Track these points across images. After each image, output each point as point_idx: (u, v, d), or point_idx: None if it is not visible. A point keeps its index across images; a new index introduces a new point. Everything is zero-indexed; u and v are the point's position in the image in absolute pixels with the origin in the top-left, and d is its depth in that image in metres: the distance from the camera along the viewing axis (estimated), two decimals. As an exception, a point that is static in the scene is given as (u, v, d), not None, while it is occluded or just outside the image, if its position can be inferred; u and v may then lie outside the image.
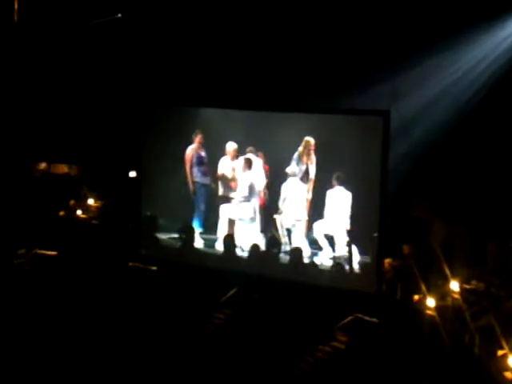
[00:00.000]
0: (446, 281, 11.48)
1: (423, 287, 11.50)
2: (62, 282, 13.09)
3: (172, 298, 12.56)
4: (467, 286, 11.49)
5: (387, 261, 12.33)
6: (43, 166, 16.43)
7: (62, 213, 15.39)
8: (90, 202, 15.60)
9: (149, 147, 14.15)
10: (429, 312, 11.17)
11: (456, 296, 11.28)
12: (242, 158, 13.30)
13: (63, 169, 16.42)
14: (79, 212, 15.41)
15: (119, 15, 14.97)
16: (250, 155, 13.19)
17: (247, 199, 13.25)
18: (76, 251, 13.90)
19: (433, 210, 12.68)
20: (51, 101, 15.79)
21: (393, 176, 12.17)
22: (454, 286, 11.36)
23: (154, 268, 13.50)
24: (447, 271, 11.48)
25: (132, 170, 14.99)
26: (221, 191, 13.60)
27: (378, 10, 12.88)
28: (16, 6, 15.24)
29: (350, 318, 11.44)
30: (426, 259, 12.00)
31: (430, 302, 11.24)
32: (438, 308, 11.17)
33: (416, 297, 11.66)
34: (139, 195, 14.20)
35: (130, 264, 13.62)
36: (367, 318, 11.39)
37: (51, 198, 15.43)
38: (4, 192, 15.02)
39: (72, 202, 15.55)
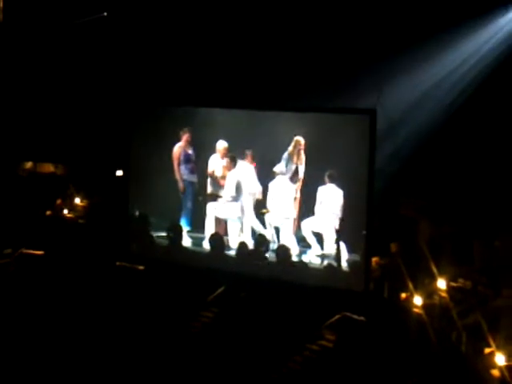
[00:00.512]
0: (433, 279, 11.52)
1: (410, 285, 11.55)
2: (49, 282, 13.04)
3: (159, 297, 12.55)
4: (454, 284, 11.52)
5: (375, 259, 12.34)
6: (29, 165, 16.34)
7: (48, 212, 15.32)
8: (77, 201, 15.55)
9: (136, 146, 14.14)
10: (416, 310, 11.22)
11: (443, 294, 11.32)
12: (227, 157, 13.32)
13: (49, 168, 16.34)
14: (66, 211, 15.36)
15: (105, 14, 14.95)
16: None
17: (234, 198, 13.24)
18: (63, 251, 13.86)
19: (420, 209, 12.72)
20: (37, 100, 15.71)
21: (380, 175, 12.22)
22: (441, 284, 11.40)
23: (142, 267, 13.50)
24: (434, 269, 11.52)
25: (119, 168, 14.95)
26: (209, 189, 13.59)
27: (365, 11, 12.89)
28: (1, 5, 15.20)
29: (337, 316, 11.47)
30: (413, 257, 12.02)
31: (417, 300, 11.28)
32: (425, 306, 11.22)
33: (403, 295, 11.69)
34: (126, 194, 14.17)
35: (117, 263, 13.62)
36: (355, 316, 11.42)
37: (37, 197, 15.36)
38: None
39: (58, 202, 15.48)
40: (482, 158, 12.25)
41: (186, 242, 13.75)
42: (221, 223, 13.51)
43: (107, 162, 15.15)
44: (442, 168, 12.55)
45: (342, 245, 12.43)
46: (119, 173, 14.98)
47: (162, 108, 14.16)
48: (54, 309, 12.30)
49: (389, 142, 12.58)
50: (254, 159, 13.19)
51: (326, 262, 12.51)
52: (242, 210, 13.23)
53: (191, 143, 13.69)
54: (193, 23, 14.34)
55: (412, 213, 12.72)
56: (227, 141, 13.35)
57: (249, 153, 13.19)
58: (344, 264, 12.43)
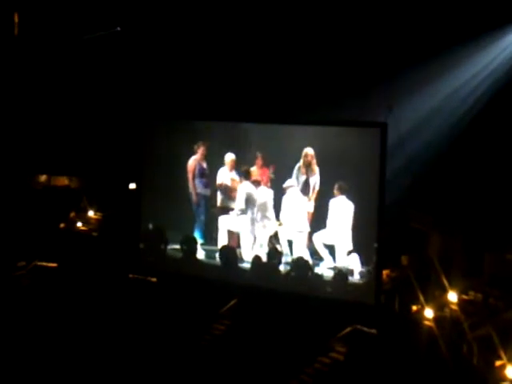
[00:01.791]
0: (444, 292, 11.51)
1: (421, 298, 11.53)
2: (62, 294, 13.12)
3: (172, 310, 12.59)
4: (465, 297, 11.53)
5: (386, 272, 12.36)
6: (44, 178, 16.45)
7: (62, 225, 15.42)
8: (90, 214, 15.64)
9: (150, 159, 14.20)
10: (427, 323, 11.22)
11: (454, 307, 11.32)
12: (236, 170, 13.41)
13: (63, 181, 16.44)
14: (79, 224, 15.45)
15: (119, 28, 15.08)
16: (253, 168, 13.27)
17: (244, 211, 13.31)
18: (76, 263, 13.94)
19: (431, 222, 12.73)
20: (52, 113, 15.84)
21: (391, 188, 12.24)
22: (452, 296, 11.40)
23: (154, 279, 13.57)
24: (445, 282, 11.51)
25: (132, 182, 15.03)
26: (219, 202, 13.63)
27: (378, 26, 12.97)
28: (16, 20, 15.36)
29: (348, 329, 11.48)
30: (424, 270, 12.02)
31: (428, 312, 11.29)
32: (436, 319, 11.22)
33: (414, 308, 11.69)
34: (139, 207, 14.23)
35: (130, 276, 13.69)
36: (366, 329, 11.43)
37: (51, 210, 15.44)
38: (4, 204, 15.08)
39: (72, 214, 15.59)
40: (492, 170, 12.27)
41: (200, 254, 13.76)
42: (233, 236, 13.53)
43: (120, 176, 15.24)
44: (452, 181, 12.57)
45: (355, 257, 12.45)
46: (132, 186, 15.07)
47: (175, 121, 14.23)
48: (68, 320, 12.37)
49: (399, 155, 12.61)
50: (265, 162, 13.21)
51: (339, 275, 12.53)
52: (253, 223, 13.29)
53: (206, 157, 13.78)
54: (208, 39, 14.46)
55: (423, 226, 12.74)
56: (238, 154, 13.40)
57: (259, 155, 13.17)
58: (356, 276, 12.45)
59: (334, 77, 13.50)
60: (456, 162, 12.60)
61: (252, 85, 14.09)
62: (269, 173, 13.14)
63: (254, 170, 13.19)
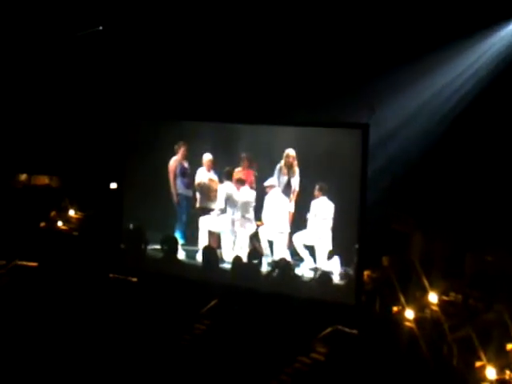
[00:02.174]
0: (425, 293, 11.55)
1: (402, 299, 11.57)
2: (43, 294, 13.05)
3: (152, 309, 12.56)
4: (446, 298, 11.58)
5: (367, 272, 12.38)
6: (24, 177, 16.36)
7: (42, 224, 15.34)
8: (71, 213, 15.57)
9: (131, 159, 14.16)
10: (408, 324, 11.26)
11: (434, 308, 11.36)
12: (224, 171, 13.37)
13: (44, 180, 16.35)
14: (60, 223, 15.37)
15: (100, 28, 15.02)
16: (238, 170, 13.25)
17: (223, 211, 13.29)
18: (57, 262, 13.87)
19: (412, 223, 12.76)
20: (32, 112, 15.75)
21: (372, 188, 12.25)
22: (433, 297, 11.44)
23: (135, 279, 13.53)
24: (426, 283, 11.55)
25: (113, 181, 14.98)
26: (198, 202, 13.62)
27: (358, 26, 12.99)
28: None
29: (329, 329, 11.49)
30: (404, 271, 12.05)
31: (409, 313, 11.32)
32: (416, 320, 11.25)
33: (395, 308, 11.72)
34: (120, 207, 14.19)
35: (111, 275, 13.64)
36: (347, 329, 11.44)
37: (32, 209, 15.36)
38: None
39: (53, 214, 15.51)
40: (473, 172, 12.31)
41: (181, 254, 13.74)
42: (214, 236, 13.53)
43: (101, 175, 15.17)
44: (434, 182, 12.60)
45: (335, 258, 12.48)
46: (113, 185, 15.01)
47: (157, 121, 14.18)
48: (48, 320, 12.31)
49: (380, 155, 12.63)
50: (251, 163, 13.19)
51: (318, 276, 12.55)
52: (233, 223, 13.27)
53: (187, 157, 13.75)
54: (187, 38, 14.41)
55: (404, 227, 12.77)
56: (217, 155, 13.40)
57: (245, 156, 13.18)
58: (336, 277, 12.48)
59: (317, 78, 13.49)
60: (437, 162, 12.63)
61: (236, 85, 14.05)
62: (253, 174, 13.16)
63: (239, 170, 13.18)
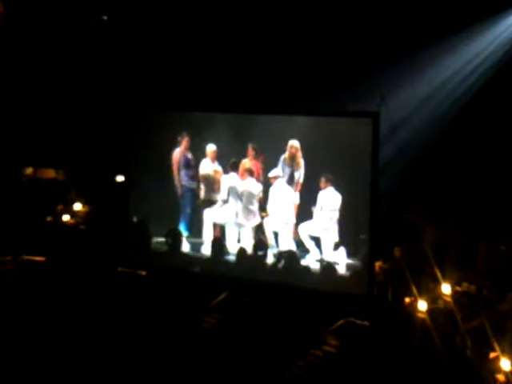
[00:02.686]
0: (438, 283, 11.48)
1: (414, 290, 11.50)
2: (50, 288, 12.99)
3: (161, 303, 12.50)
4: (459, 289, 11.48)
5: (378, 263, 12.30)
6: (30, 170, 16.29)
7: (49, 218, 15.27)
8: (78, 206, 15.50)
9: (135, 151, 14.08)
10: (420, 315, 11.17)
11: (447, 299, 11.28)
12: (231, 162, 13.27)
13: (50, 173, 16.26)
14: (66, 217, 15.30)
15: (105, 18, 14.94)
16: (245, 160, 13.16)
17: (226, 202, 13.23)
18: (64, 257, 13.81)
19: (424, 213, 12.67)
20: (37, 105, 15.68)
21: (383, 178, 12.16)
22: (446, 288, 11.36)
23: (144, 273, 13.47)
24: (438, 274, 11.48)
25: (119, 174, 14.92)
26: (203, 194, 13.54)
27: (367, 15, 12.91)
28: (2, 9, 15.19)
29: (341, 321, 11.41)
30: (417, 262, 11.99)
31: (422, 304, 11.24)
32: (429, 311, 11.17)
33: (407, 300, 11.64)
34: (127, 200, 14.11)
35: (119, 269, 13.58)
36: (358, 321, 11.36)
37: (38, 202, 15.31)
38: (-10, 197, 14.98)
39: (59, 207, 15.45)
40: (487, 160, 12.23)
41: (185, 247, 13.67)
42: (217, 228, 13.47)
43: (108, 168, 15.12)
44: (446, 171, 12.53)
45: (341, 249, 12.41)
46: (120, 178, 14.95)
47: (160, 112, 14.08)
48: (56, 315, 12.25)
49: (391, 144, 12.54)
50: (257, 153, 13.07)
51: (325, 267, 12.47)
52: (237, 215, 13.17)
53: (190, 148, 13.63)
54: (190, 28, 14.36)
55: (416, 217, 12.68)
56: (222, 145, 13.29)
57: (251, 146, 13.06)
58: (343, 268, 12.41)
59: (324, 66, 13.41)
60: (449, 151, 12.55)
61: (241, 75, 13.98)
62: (259, 166, 13.06)
63: (246, 161, 13.07)
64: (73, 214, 15.42)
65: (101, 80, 15.20)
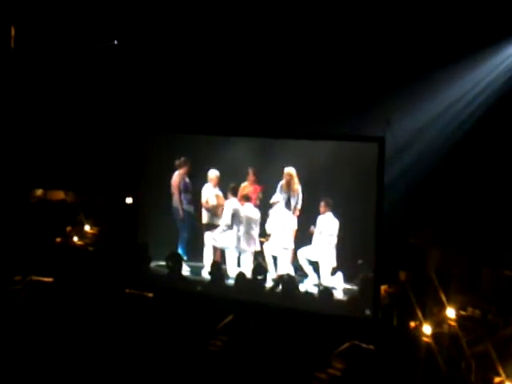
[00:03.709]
0: (443, 308, 11.49)
1: (419, 314, 11.52)
2: (59, 309, 13.03)
3: (168, 325, 12.52)
4: (463, 313, 11.51)
5: (384, 287, 12.33)
6: (39, 192, 16.40)
7: (58, 239, 15.35)
8: (87, 228, 15.58)
9: (143, 173, 14.18)
10: (425, 339, 11.16)
11: (452, 323, 11.30)
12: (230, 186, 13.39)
13: (59, 195, 16.39)
14: (76, 238, 15.39)
15: (115, 42, 15.08)
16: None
17: (230, 227, 13.29)
18: (72, 278, 13.86)
19: (429, 237, 12.70)
20: (47, 127, 15.80)
21: (386, 201, 12.21)
22: (451, 312, 11.38)
23: (151, 295, 13.51)
24: (443, 298, 11.50)
25: (128, 196, 15.00)
26: (205, 219, 13.63)
27: (372, 39, 13.02)
28: (13, 33, 15.34)
29: (346, 344, 11.42)
30: (422, 286, 12.01)
31: (427, 328, 11.24)
32: (434, 335, 11.16)
33: (412, 324, 11.66)
34: (136, 222, 14.19)
35: (127, 291, 13.63)
36: (364, 344, 11.38)
37: (47, 224, 15.39)
38: (0, 218, 15.03)
39: (68, 229, 15.54)
40: (491, 185, 12.27)
41: (185, 271, 13.77)
42: (217, 252, 13.56)
43: (117, 190, 15.20)
44: (450, 195, 12.56)
45: (339, 274, 12.50)
46: (129, 200, 15.03)
47: (160, 135, 14.18)
48: (64, 335, 12.29)
49: (395, 168, 12.58)
50: (257, 178, 13.17)
51: (323, 291, 12.54)
52: (238, 240, 13.26)
53: (189, 172, 13.74)
54: (194, 53, 14.52)
55: (421, 241, 12.71)
56: (222, 169, 13.43)
57: (251, 170, 13.18)
58: (340, 293, 12.53)
59: (329, 91, 13.49)
60: (453, 176, 12.60)
61: (241, 99, 14.09)
62: (259, 191, 13.13)
63: (245, 185, 13.19)
64: (82, 235, 15.51)
65: (111, 103, 15.32)
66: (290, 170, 12.75)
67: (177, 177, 13.72)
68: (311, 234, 12.67)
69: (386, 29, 12.89)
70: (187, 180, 13.73)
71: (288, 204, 12.85)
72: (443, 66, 12.51)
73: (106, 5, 15.04)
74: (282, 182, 12.84)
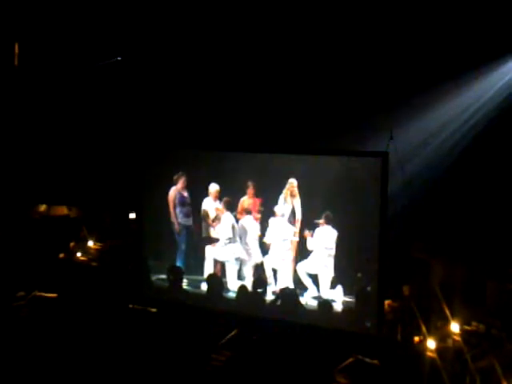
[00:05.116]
0: (447, 322, 11.48)
1: (424, 329, 11.50)
2: (62, 325, 13.03)
3: (172, 340, 12.52)
4: (468, 328, 11.49)
5: (387, 302, 12.31)
6: (43, 208, 16.44)
7: (61, 255, 15.37)
8: (90, 244, 15.60)
9: (146, 189, 14.21)
10: (429, 354, 11.13)
11: (456, 338, 11.27)
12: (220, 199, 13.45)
13: (63, 211, 16.42)
14: (79, 254, 15.40)
15: (119, 58, 15.16)
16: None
17: (232, 240, 13.33)
18: (76, 293, 13.87)
19: (432, 251, 12.71)
20: (50, 143, 15.86)
21: (389, 214, 12.22)
22: (455, 327, 11.36)
23: (154, 310, 13.51)
24: (447, 312, 11.49)
25: (132, 211, 15.03)
26: (205, 232, 13.65)
27: (374, 53, 13.09)
28: (16, 50, 15.42)
29: (350, 359, 11.41)
30: (426, 300, 12.00)
31: (431, 343, 11.20)
32: (438, 350, 11.13)
33: (416, 338, 11.64)
34: (140, 237, 14.22)
35: (130, 306, 13.62)
36: (368, 359, 11.36)
37: (51, 240, 15.42)
38: (3, 234, 15.04)
39: (72, 244, 15.57)
40: (495, 197, 12.29)
41: (184, 284, 13.76)
42: (217, 265, 13.56)
43: (120, 205, 15.23)
44: (453, 208, 12.58)
45: (339, 287, 12.48)
46: (132, 215, 15.06)
47: (160, 150, 14.20)
48: (68, 351, 12.27)
49: (397, 180, 12.57)
50: (256, 192, 13.16)
51: (323, 304, 12.51)
52: (239, 253, 13.30)
53: (187, 187, 13.76)
54: (198, 70, 14.57)
55: (424, 255, 12.71)
56: (222, 183, 13.43)
57: (251, 184, 13.16)
58: (340, 306, 12.47)
59: (330, 105, 13.55)
60: (456, 188, 12.63)
61: (241, 114, 14.17)
62: (259, 203, 13.15)
63: (245, 198, 13.21)
64: (85, 251, 15.53)
65: (114, 118, 15.39)
66: (293, 181, 12.75)
67: (172, 191, 13.73)
68: (305, 239, 12.66)
69: (389, 41, 12.96)
70: (185, 194, 13.72)
71: (292, 216, 12.84)
72: (447, 79, 12.59)
73: (109, 22, 15.13)
74: (285, 193, 12.83)
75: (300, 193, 12.74)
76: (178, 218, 13.75)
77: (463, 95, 12.89)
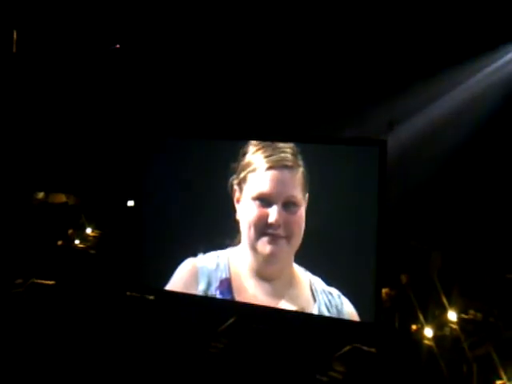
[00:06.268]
0: (444, 311, 11.50)
1: (421, 317, 11.51)
2: (60, 312, 13.05)
3: (169, 328, 12.54)
4: (465, 316, 11.50)
5: (385, 290, 12.30)
6: (41, 195, 16.42)
7: (59, 242, 15.37)
8: (88, 231, 15.60)
9: (147, 177, 14.16)
10: (427, 342, 11.18)
11: (454, 326, 11.29)
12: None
13: (61, 198, 16.39)
14: (77, 241, 15.40)
15: (117, 46, 15.12)
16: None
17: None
18: (74, 281, 13.88)
19: (431, 240, 12.71)
20: (49, 130, 15.84)
21: (390, 205, 12.19)
22: (452, 315, 11.37)
23: (152, 297, 13.51)
24: (445, 301, 11.50)
25: (130, 199, 15.00)
26: None
27: (375, 41, 13.06)
28: (15, 37, 15.38)
29: (347, 347, 11.42)
30: (423, 289, 12.00)
31: (428, 331, 11.25)
32: (435, 338, 11.18)
33: (414, 327, 11.65)
34: (138, 225, 14.18)
35: (128, 293, 13.63)
36: (365, 347, 11.37)
37: (49, 227, 15.41)
38: (1, 221, 15.04)
39: (70, 232, 15.56)
40: (495, 187, 12.29)
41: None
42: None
43: (119, 193, 15.22)
44: (452, 197, 12.59)
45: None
46: (130, 203, 15.02)
47: (171, 139, 14.14)
48: (65, 338, 12.30)
49: (396, 169, 12.53)
50: None
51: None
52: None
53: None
54: (201, 59, 14.53)
55: (422, 244, 12.71)
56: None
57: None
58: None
59: (329, 93, 13.53)
60: (456, 177, 12.62)
61: (242, 101, 14.13)
62: None
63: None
64: (83, 238, 15.53)
65: (113, 106, 15.37)
66: None
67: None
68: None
69: (388, 28, 12.94)
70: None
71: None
72: (450, 66, 12.54)
73: (109, 9, 15.08)
74: None
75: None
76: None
77: (468, 84, 12.86)
